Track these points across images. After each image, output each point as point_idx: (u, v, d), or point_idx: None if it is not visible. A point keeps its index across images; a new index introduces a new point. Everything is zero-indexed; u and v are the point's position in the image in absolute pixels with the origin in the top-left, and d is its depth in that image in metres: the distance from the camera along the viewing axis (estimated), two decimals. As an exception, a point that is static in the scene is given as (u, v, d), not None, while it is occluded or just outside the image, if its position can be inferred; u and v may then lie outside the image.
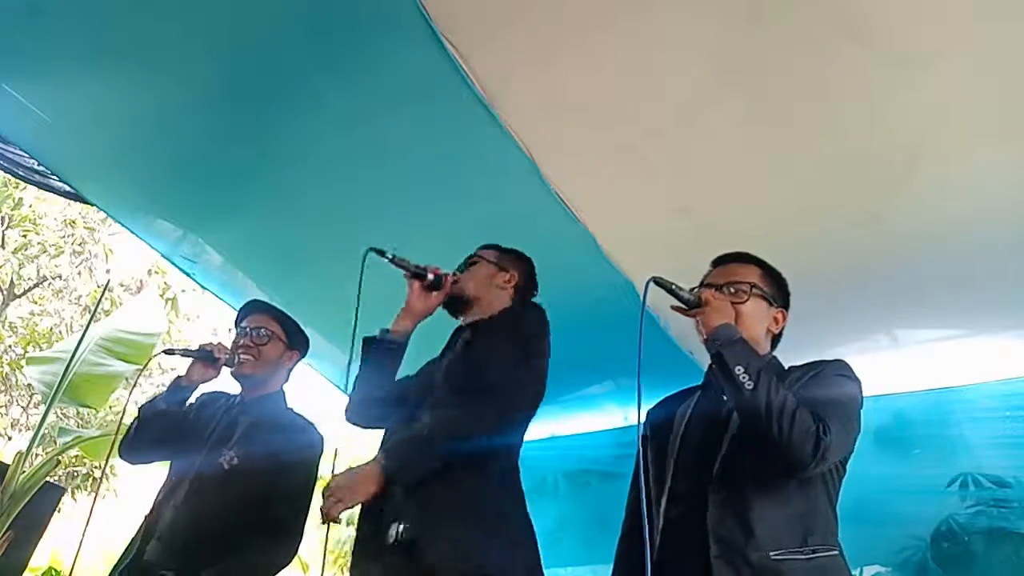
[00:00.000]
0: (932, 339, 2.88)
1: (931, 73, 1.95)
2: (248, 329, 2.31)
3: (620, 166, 2.44)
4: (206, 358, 2.21)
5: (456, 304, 1.94)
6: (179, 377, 2.24)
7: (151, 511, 2.10)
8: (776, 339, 1.76)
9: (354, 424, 1.91)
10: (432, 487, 1.57)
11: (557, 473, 3.89)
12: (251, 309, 2.40)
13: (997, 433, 2.79)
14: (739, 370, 1.44)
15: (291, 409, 2.29)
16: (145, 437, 2.16)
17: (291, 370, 2.40)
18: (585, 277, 2.84)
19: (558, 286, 2.87)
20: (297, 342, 2.38)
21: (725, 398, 1.55)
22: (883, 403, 2.98)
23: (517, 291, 1.98)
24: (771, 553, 1.40)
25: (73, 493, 8.74)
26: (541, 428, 3.92)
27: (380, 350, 1.86)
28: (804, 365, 1.63)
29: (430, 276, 1.89)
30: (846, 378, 1.56)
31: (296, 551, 2.11)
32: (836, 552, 1.48)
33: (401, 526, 1.55)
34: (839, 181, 2.31)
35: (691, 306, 1.60)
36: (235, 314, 2.46)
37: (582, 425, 3.88)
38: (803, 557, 1.42)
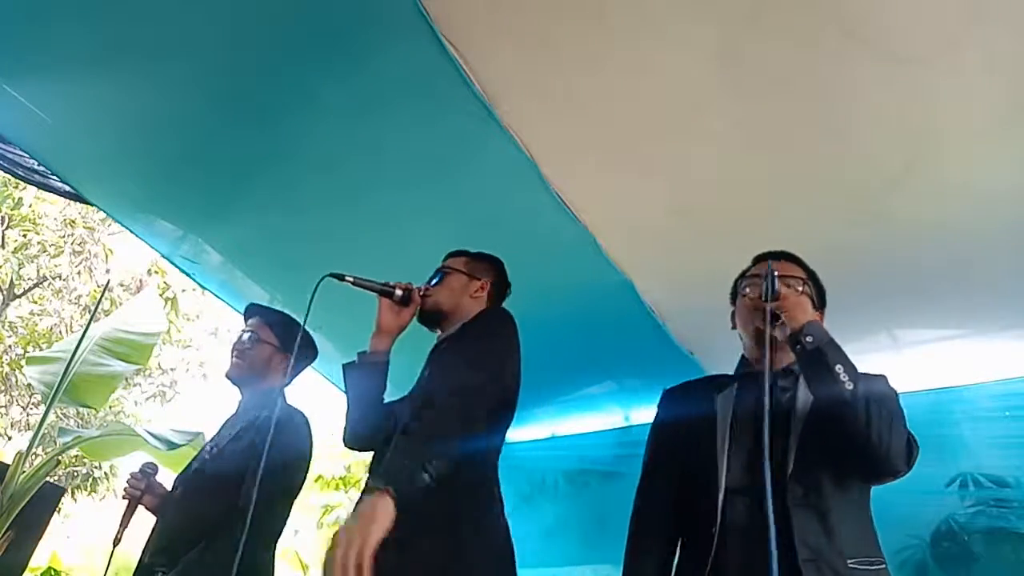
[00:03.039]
0: (932, 339, 2.88)
1: (931, 73, 1.95)
2: (240, 333, 2.36)
3: (620, 166, 2.44)
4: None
5: (431, 319, 1.93)
6: None
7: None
8: None
9: (352, 448, 1.93)
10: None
11: (557, 473, 3.89)
12: (247, 314, 2.44)
13: (997, 433, 2.79)
14: (839, 368, 1.42)
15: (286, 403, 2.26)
16: None
17: (290, 372, 2.33)
18: (585, 277, 2.84)
19: (558, 286, 2.88)
20: (290, 346, 2.27)
21: (779, 394, 1.54)
22: (883, 403, 2.98)
23: (490, 299, 1.97)
24: (850, 562, 1.38)
25: (73, 493, 8.74)
26: (541, 428, 3.93)
27: (359, 372, 1.86)
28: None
29: (398, 292, 1.88)
30: (896, 396, 1.55)
31: (280, 528, 2.11)
32: (884, 565, 1.46)
33: None
34: (839, 181, 2.31)
35: (775, 299, 1.52)
36: (237, 315, 2.50)
37: (582, 425, 3.88)
38: (871, 569, 1.41)
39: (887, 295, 2.65)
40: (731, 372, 1.77)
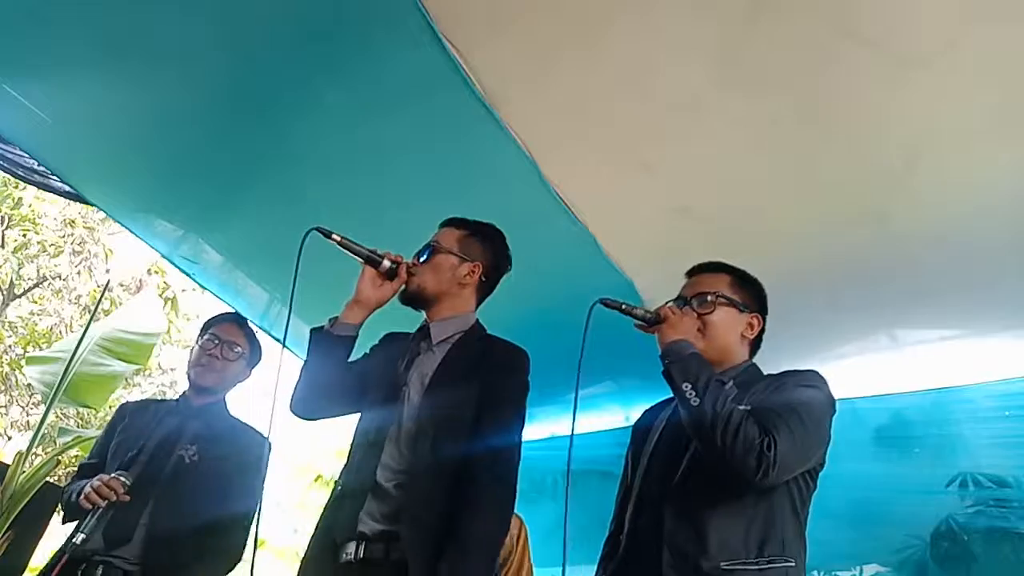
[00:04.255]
0: (932, 339, 2.88)
1: (931, 73, 1.95)
2: (222, 340, 2.34)
3: (620, 166, 2.44)
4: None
5: (414, 301, 1.80)
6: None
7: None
8: (755, 344, 1.75)
9: (298, 416, 1.76)
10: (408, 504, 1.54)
11: (557, 473, 3.89)
12: (229, 321, 2.44)
13: (997, 433, 2.79)
14: (686, 386, 1.47)
15: (235, 416, 2.37)
16: None
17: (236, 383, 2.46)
18: (585, 277, 2.84)
19: (558, 286, 2.88)
20: (255, 363, 2.45)
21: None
22: (883, 403, 2.99)
23: (479, 287, 1.84)
24: (722, 563, 1.41)
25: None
26: (541, 428, 3.92)
27: (326, 342, 1.71)
28: (777, 374, 1.63)
29: (386, 263, 1.72)
30: (809, 387, 1.55)
31: (243, 550, 2.18)
32: (793, 563, 1.47)
33: (360, 546, 1.51)
34: (839, 181, 2.31)
35: (650, 323, 1.63)
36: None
37: (582, 425, 3.88)
38: (755, 568, 1.42)
39: (887, 295, 2.65)
40: None
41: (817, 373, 1.60)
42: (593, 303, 1.58)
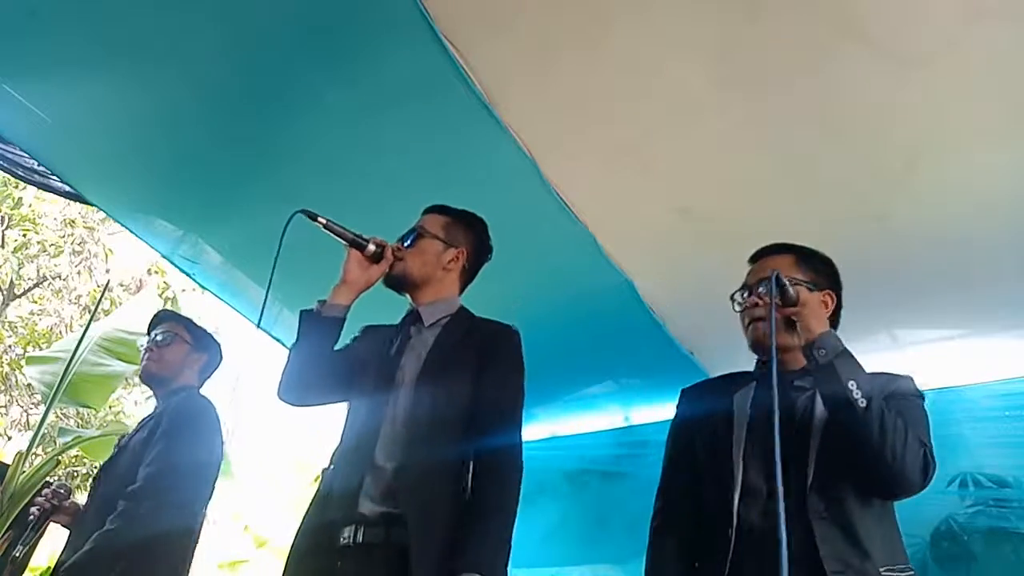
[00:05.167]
0: (932, 339, 2.88)
1: (931, 73, 1.95)
2: (154, 335, 2.41)
3: (620, 166, 2.44)
4: None
5: (399, 285, 1.82)
6: None
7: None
8: (833, 322, 1.68)
9: (286, 402, 1.76)
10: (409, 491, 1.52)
11: (557, 473, 3.89)
12: (159, 319, 2.50)
13: (997, 433, 2.79)
14: (852, 384, 1.40)
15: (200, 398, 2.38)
16: None
17: (204, 374, 2.46)
18: (585, 277, 2.84)
19: (558, 286, 2.88)
20: (204, 346, 2.46)
21: (796, 395, 1.54)
22: (883, 403, 2.98)
23: (463, 273, 1.88)
24: (882, 570, 1.39)
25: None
26: (541, 428, 3.92)
27: (316, 322, 1.73)
28: (879, 375, 1.56)
29: (371, 247, 1.76)
30: (921, 399, 1.55)
31: (187, 499, 2.15)
32: (913, 572, 1.46)
33: (360, 529, 1.49)
34: (839, 181, 2.31)
35: (788, 304, 1.53)
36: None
37: (582, 425, 3.88)
38: (903, 574, 1.42)
39: (887, 295, 2.64)
40: (734, 371, 1.77)
41: (913, 380, 1.58)
42: (773, 273, 1.51)
